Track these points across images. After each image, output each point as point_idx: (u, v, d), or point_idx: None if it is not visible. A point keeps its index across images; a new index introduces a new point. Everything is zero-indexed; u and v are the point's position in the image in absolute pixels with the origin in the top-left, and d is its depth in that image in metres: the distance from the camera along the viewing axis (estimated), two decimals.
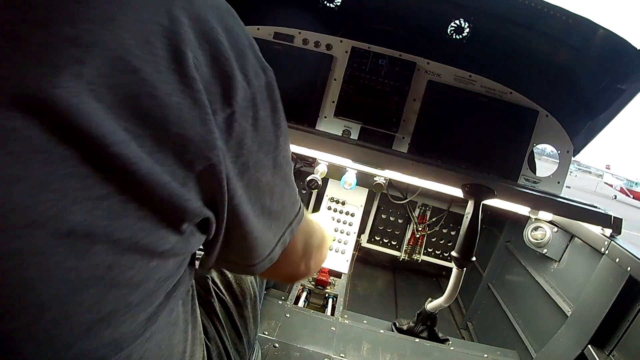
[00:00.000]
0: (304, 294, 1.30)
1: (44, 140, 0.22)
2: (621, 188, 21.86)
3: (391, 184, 1.66)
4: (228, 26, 0.31)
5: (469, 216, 1.00)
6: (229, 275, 0.73)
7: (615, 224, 1.05)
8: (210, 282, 0.69)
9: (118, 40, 0.24)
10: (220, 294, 0.69)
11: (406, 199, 1.71)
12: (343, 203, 1.65)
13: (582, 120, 1.34)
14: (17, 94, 0.22)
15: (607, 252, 1.03)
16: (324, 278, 1.35)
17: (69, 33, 0.23)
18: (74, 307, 0.26)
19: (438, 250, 1.84)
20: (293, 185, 0.43)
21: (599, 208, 1.10)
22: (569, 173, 1.42)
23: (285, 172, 0.40)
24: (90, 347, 0.28)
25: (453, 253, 1.04)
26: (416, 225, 1.80)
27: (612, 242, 1.03)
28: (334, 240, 1.38)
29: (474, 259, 1.03)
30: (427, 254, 1.84)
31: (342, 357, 0.98)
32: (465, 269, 1.05)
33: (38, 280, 0.24)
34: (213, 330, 0.64)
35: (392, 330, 1.18)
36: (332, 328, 1.08)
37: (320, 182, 1.31)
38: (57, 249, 0.24)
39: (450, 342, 1.16)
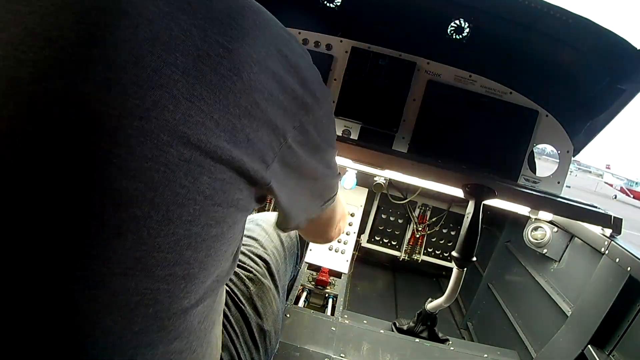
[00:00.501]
0: (304, 294, 1.30)
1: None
2: (621, 188, 21.87)
3: (391, 184, 1.66)
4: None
5: (470, 216, 1.00)
6: (252, 287, 0.73)
7: (615, 224, 1.05)
8: (228, 294, 0.69)
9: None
10: (240, 304, 0.69)
11: (406, 199, 1.71)
12: None
13: (582, 120, 1.34)
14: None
15: (607, 252, 1.03)
16: (324, 278, 1.35)
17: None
18: (175, 217, 0.32)
19: (438, 250, 1.84)
20: (332, 172, 0.52)
21: (599, 208, 1.10)
22: (569, 173, 1.42)
23: (328, 161, 0.50)
24: (175, 260, 0.34)
25: (453, 253, 1.04)
26: (416, 225, 1.80)
27: (612, 242, 1.03)
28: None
29: (474, 259, 1.03)
30: (427, 254, 1.84)
31: (342, 357, 0.98)
32: (465, 269, 1.05)
33: (159, 185, 0.31)
34: (226, 337, 0.63)
35: (392, 330, 1.18)
36: (332, 328, 1.08)
37: None
38: (179, 169, 0.31)
39: (450, 342, 1.16)
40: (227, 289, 0.70)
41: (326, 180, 0.51)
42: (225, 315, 0.64)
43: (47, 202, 0.29)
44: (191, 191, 0.32)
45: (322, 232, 0.65)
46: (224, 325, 0.63)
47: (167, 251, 0.33)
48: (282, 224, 0.50)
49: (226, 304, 0.66)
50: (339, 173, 0.55)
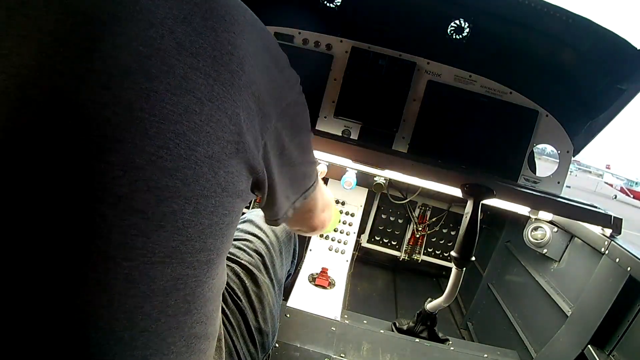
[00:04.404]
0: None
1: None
2: (621, 188, 21.85)
3: (391, 184, 1.66)
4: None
5: (468, 216, 1.00)
6: (247, 281, 0.73)
7: (615, 224, 1.05)
8: (225, 290, 0.69)
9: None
10: (236, 299, 0.70)
11: (406, 199, 1.71)
12: (343, 203, 1.65)
13: (582, 120, 1.34)
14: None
15: (607, 252, 1.03)
16: (324, 278, 1.35)
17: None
18: (202, 208, 0.37)
19: (438, 250, 1.84)
20: (309, 158, 0.54)
21: (599, 208, 1.10)
22: (569, 173, 1.42)
23: (305, 148, 0.52)
24: (201, 247, 0.38)
25: (452, 253, 1.04)
26: (416, 225, 1.80)
27: (612, 242, 1.03)
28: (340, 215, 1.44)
29: (473, 258, 1.03)
30: (427, 254, 1.84)
31: (342, 357, 0.98)
32: (464, 268, 1.05)
33: (191, 180, 0.35)
34: (224, 331, 0.63)
35: (392, 330, 1.18)
36: (332, 328, 1.08)
37: None
38: (205, 164, 0.36)
39: (450, 342, 1.16)
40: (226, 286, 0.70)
41: (305, 166, 0.53)
42: (222, 311, 0.65)
43: (100, 198, 0.32)
44: (213, 184, 0.37)
45: (306, 220, 0.66)
46: (222, 320, 0.63)
47: (196, 240, 0.37)
48: (270, 217, 0.54)
49: (223, 299, 0.67)
50: (318, 161, 0.57)
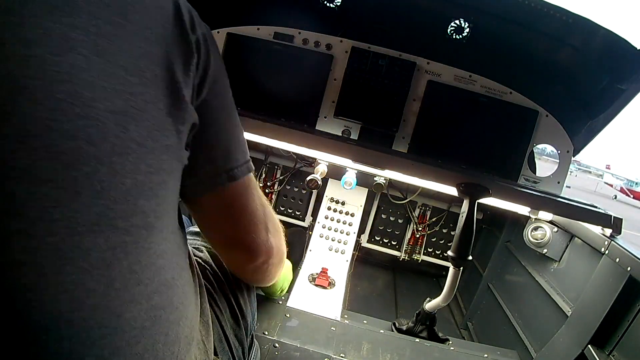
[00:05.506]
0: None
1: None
2: (621, 188, 21.85)
3: (391, 184, 1.66)
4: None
5: (464, 215, 1.00)
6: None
7: (615, 224, 1.05)
8: (206, 267, 0.68)
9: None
10: (217, 276, 0.68)
11: (406, 199, 1.71)
12: (343, 203, 1.65)
13: (582, 120, 1.34)
14: None
15: (607, 252, 1.03)
16: (324, 278, 1.35)
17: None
18: (119, 167, 0.35)
19: (438, 250, 1.84)
20: (241, 134, 0.53)
21: (599, 208, 1.10)
22: (569, 173, 1.42)
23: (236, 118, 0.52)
24: (132, 210, 0.36)
25: (449, 252, 1.04)
26: (416, 225, 1.80)
27: (612, 242, 1.03)
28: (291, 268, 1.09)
29: (470, 258, 1.03)
30: (427, 254, 1.84)
31: (342, 357, 0.98)
32: (462, 268, 1.05)
33: (97, 139, 0.33)
34: (212, 313, 0.62)
35: (392, 330, 1.18)
36: (332, 328, 1.08)
37: (320, 182, 1.31)
38: (109, 120, 0.34)
39: (450, 342, 1.16)
40: (207, 267, 0.69)
41: (236, 135, 0.52)
42: (209, 293, 0.64)
43: (4, 174, 0.30)
44: (125, 140, 0.35)
45: (238, 222, 0.55)
46: (209, 304, 0.63)
47: (122, 202, 0.35)
48: (225, 165, 0.50)
49: (206, 278, 0.66)
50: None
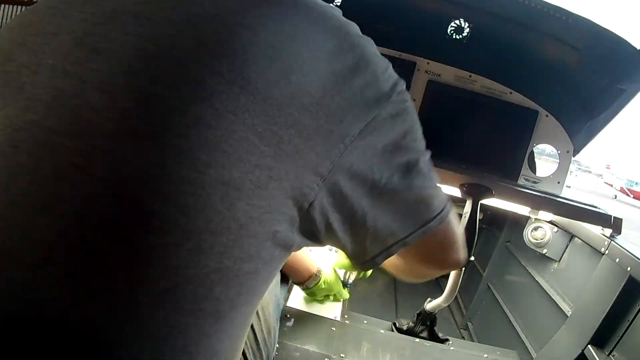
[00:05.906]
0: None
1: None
2: (621, 188, 21.83)
3: None
4: None
5: (467, 216, 1.00)
6: None
7: (615, 224, 1.05)
8: None
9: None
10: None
11: None
12: None
13: (582, 120, 1.34)
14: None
15: (607, 252, 1.03)
16: None
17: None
18: (207, 246, 0.29)
19: None
20: (431, 184, 0.44)
21: (599, 208, 1.10)
22: (569, 173, 1.42)
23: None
24: (205, 295, 0.30)
25: None
26: None
27: (612, 242, 1.02)
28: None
29: (472, 258, 1.03)
30: None
31: (342, 357, 0.98)
32: (464, 268, 1.05)
33: (192, 211, 0.28)
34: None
35: (392, 330, 1.18)
36: (332, 328, 1.08)
37: None
38: (216, 192, 0.28)
39: (450, 342, 1.15)
40: None
41: (421, 191, 0.41)
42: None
43: (73, 220, 0.27)
44: (226, 219, 0.29)
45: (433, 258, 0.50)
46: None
47: (197, 284, 0.30)
48: (355, 262, 0.42)
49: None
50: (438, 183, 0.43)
